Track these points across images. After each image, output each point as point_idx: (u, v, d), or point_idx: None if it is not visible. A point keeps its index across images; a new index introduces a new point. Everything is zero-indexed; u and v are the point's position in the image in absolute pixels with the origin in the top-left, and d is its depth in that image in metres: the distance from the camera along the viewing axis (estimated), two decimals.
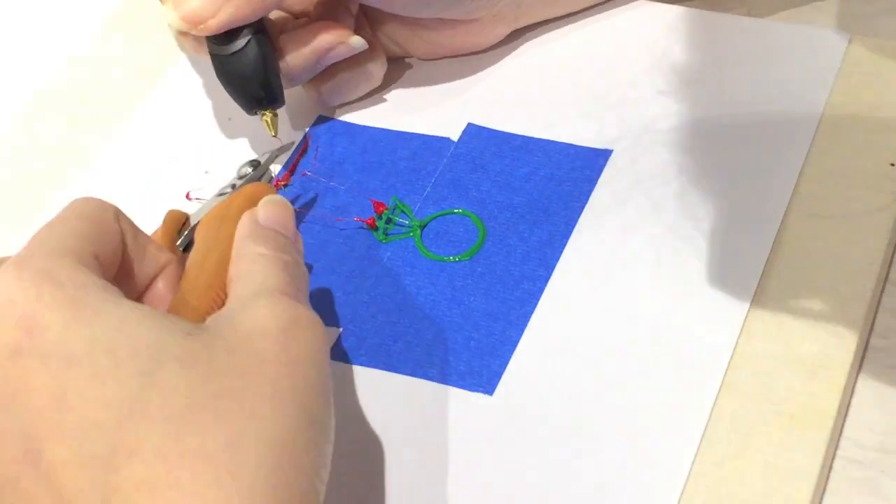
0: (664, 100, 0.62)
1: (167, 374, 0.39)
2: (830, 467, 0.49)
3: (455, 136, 0.63)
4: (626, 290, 0.55)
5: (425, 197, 0.60)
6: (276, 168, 0.63)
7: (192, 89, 0.69)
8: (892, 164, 0.57)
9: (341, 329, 0.56)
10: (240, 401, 0.39)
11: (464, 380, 0.53)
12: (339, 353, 0.55)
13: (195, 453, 0.38)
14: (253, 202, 0.50)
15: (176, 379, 0.39)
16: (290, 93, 0.67)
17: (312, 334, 0.43)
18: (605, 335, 0.53)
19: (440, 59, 0.66)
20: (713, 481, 0.48)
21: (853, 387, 0.51)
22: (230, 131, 0.66)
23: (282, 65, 0.61)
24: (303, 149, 0.64)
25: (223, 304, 0.47)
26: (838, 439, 0.50)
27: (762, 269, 0.54)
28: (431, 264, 0.58)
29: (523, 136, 0.62)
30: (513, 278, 0.56)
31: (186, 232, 0.55)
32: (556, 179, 0.60)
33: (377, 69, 0.64)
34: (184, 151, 0.65)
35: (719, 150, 0.59)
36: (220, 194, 0.59)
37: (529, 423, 0.51)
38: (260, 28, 0.59)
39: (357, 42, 0.61)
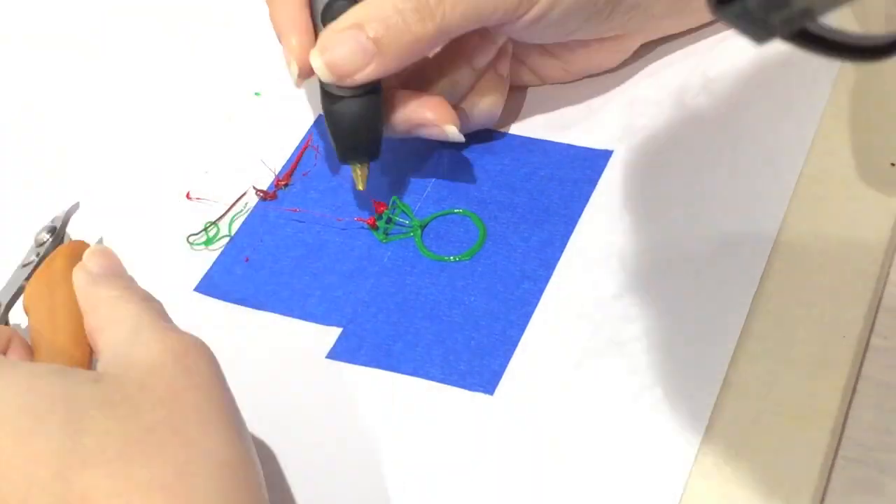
0: (665, 100, 0.62)
1: (92, 420, 0.40)
2: (831, 467, 0.49)
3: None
4: (627, 290, 0.55)
5: (425, 197, 0.60)
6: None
7: (192, 89, 0.69)
8: (893, 164, 0.57)
9: (341, 329, 0.56)
10: (172, 431, 0.40)
11: (464, 380, 0.53)
12: (340, 353, 0.55)
13: (148, 486, 0.39)
14: (73, 259, 0.51)
15: (104, 423, 0.40)
16: (289, 92, 0.67)
17: (208, 355, 0.44)
18: (606, 335, 0.53)
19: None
20: (713, 481, 0.48)
21: (853, 387, 0.51)
22: (230, 131, 0.66)
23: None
24: (303, 148, 0.64)
25: (91, 356, 0.48)
26: (839, 439, 0.50)
27: (763, 269, 0.54)
28: (432, 264, 0.58)
29: (524, 137, 0.62)
30: (513, 278, 0.56)
31: (5, 305, 0.55)
32: (556, 179, 0.60)
33: (500, 98, 0.62)
34: (184, 151, 0.65)
35: (720, 149, 0.59)
36: (24, 265, 0.57)
37: (529, 423, 0.51)
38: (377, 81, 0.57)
39: (452, 133, 0.58)
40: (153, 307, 0.47)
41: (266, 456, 0.51)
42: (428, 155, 0.62)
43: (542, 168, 0.61)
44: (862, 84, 0.61)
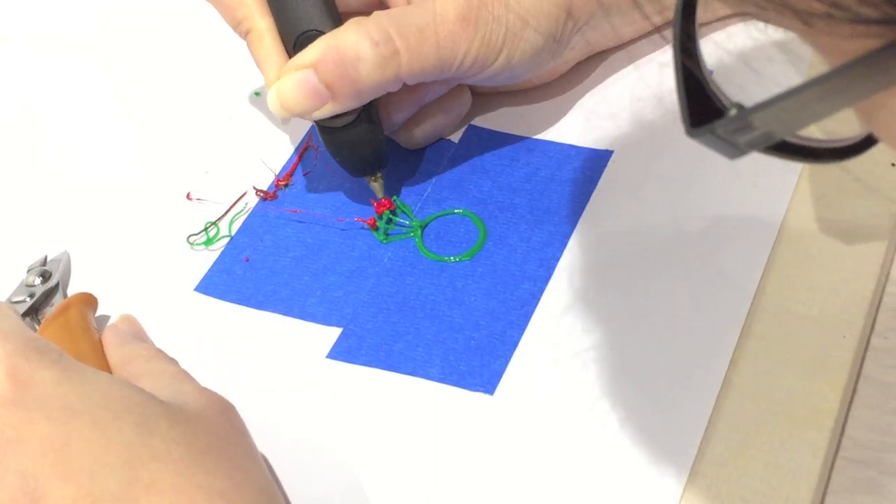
0: (666, 100, 0.62)
1: (161, 428, 0.44)
2: (831, 467, 0.49)
3: (456, 138, 0.63)
4: (627, 291, 0.55)
5: (426, 197, 0.60)
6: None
7: (192, 89, 0.69)
8: (893, 164, 0.57)
9: (342, 329, 0.56)
10: (225, 455, 0.45)
11: (464, 380, 0.53)
12: (340, 353, 0.55)
13: (208, 489, 0.43)
14: (87, 308, 0.56)
15: (171, 433, 0.44)
16: None
17: (239, 415, 0.49)
18: (606, 335, 0.53)
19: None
20: (713, 481, 0.48)
21: (853, 387, 0.51)
22: (230, 131, 0.66)
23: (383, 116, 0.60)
24: (303, 149, 0.64)
25: None
26: (839, 439, 0.50)
27: (763, 269, 0.54)
28: (432, 264, 0.58)
29: (524, 137, 0.62)
30: (513, 279, 0.56)
31: None
32: (556, 180, 0.60)
33: (465, 107, 0.63)
34: (184, 151, 0.65)
35: None
36: (15, 302, 0.58)
37: (529, 423, 0.51)
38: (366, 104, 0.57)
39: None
40: (183, 369, 0.52)
41: (266, 456, 0.51)
42: (428, 155, 0.62)
43: (543, 168, 0.61)
44: None
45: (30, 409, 0.44)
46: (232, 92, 0.68)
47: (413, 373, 0.53)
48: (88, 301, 0.56)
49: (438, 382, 0.53)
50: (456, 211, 0.60)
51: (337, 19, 0.57)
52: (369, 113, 0.57)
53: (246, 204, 0.62)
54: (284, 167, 0.63)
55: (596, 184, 0.59)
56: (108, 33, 0.73)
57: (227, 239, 0.60)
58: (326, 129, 0.58)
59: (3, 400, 0.44)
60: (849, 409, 0.51)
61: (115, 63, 0.71)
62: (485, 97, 0.64)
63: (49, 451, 0.43)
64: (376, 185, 0.59)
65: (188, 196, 0.63)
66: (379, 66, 0.54)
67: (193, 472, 0.43)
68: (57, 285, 0.59)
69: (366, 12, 0.57)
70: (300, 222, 0.60)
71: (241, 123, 0.66)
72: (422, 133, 0.62)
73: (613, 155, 0.61)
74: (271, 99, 0.56)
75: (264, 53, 0.58)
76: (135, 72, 0.71)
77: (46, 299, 0.58)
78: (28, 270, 0.59)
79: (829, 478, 0.49)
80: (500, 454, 0.50)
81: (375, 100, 0.57)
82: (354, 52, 0.54)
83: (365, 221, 0.59)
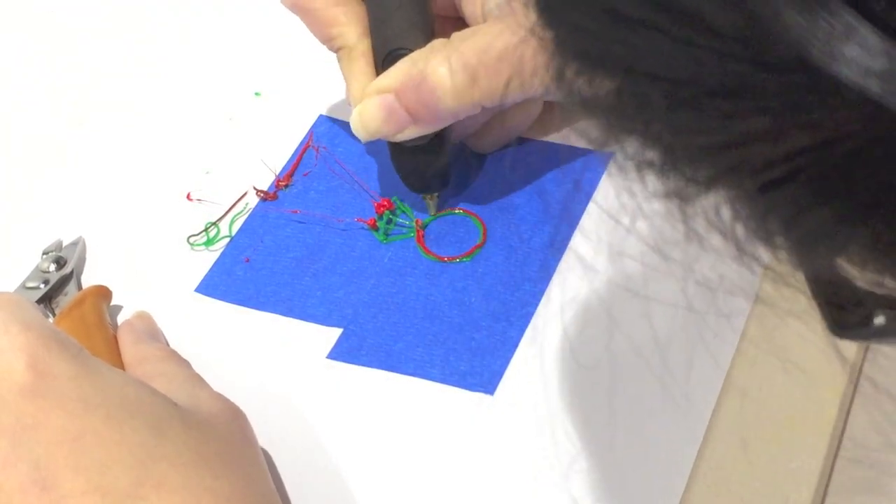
0: None
1: (173, 430, 0.45)
2: (831, 467, 0.49)
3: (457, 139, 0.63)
4: (628, 291, 0.55)
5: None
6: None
7: (192, 90, 0.69)
8: None
9: (342, 329, 0.56)
10: (234, 462, 0.46)
11: (464, 380, 0.53)
12: (340, 353, 0.55)
13: (215, 493, 0.44)
14: (102, 301, 0.56)
15: (182, 435, 0.45)
16: (289, 92, 0.67)
17: (248, 421, 0.49)
18: (606, 335, 0.53)
19: None
20: (714, 481, 0.48)
21: (854, 387, 0.51)
22: (230, 131, 0.66)
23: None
24: (303, 149, 0.64)
25: None
26: (839, 439, 0.50)
27: (763, 269, 0.54)
28: (432, 265, 0.58)
29: (525, 138, 0.62)
30: (514, 279, 0.56)
31: None
32: (557, 181, 0.60)
33: (536, 111, 0.61)
34: (184, 152, 0.65)
35: None
36: (28, 287, 0.58)
37: (529, 423, 0.51)
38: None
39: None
40: (195, 372, 0.52)
41: (266, 456, 0.51)
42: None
43: (543, 169, 0.61)
44: None
45: (48, 399, 0.44)
46: (232, 92, 0.68)
47: (413, 373, 0.53)
48: (103, 294, 0.56)
49: (439, 383, 0.53)
50: (456, 211, 0.60)
51: (429, 38, 0.56)
52: (442, 134, 0.57)
53: (246, 204, 0.62)
54: (285, 167, 0.63)
55: (597, 185, 0.59)
56: (109, 34, 0.73)
57: (228, 239, 0.60)
58: (398, 148, 0.57)
59: (23, 389, 0.44)
60: (849, 410, 0.51)
61: (115, 63, 0.71)
62: None
63: (63, 442, 0.43)
64: (431, 203, 0.59)
65: (188, 196, 0.63)
66: (459, 94, 0.54)
67: (202, 476, 0.44)
68: (71, 273, 0.59)
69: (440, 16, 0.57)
70: (300, 223, 0.60)
71: (241, 123, 0.66)
72: (493, 139, 0.61)
73: (615, 156, 0.60)
74: (353, 120, 0.56)
75: (353, 71, 0.57)
76: (135, 72, 0.71)
77: (60, 287, 0.58)
78: (43, 255, 0.60)
79: (829, 478, 0.49)
80: (500, 454, 0.50)
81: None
82: (435, 79, 0.53)
83: (365, 222, 0.59)
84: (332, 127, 0.65)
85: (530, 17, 0.26)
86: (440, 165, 0.58)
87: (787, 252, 0.26)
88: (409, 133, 0.55)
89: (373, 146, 0.63)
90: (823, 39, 0.20)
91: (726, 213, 0.26)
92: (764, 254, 0.26)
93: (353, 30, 0.57)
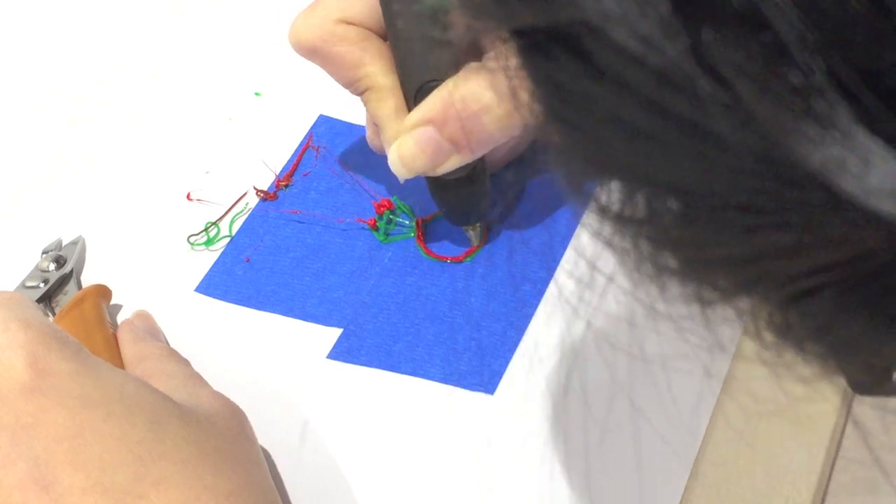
0: None
1: (172, 428, 0.45)
2: (831, 467, 0.49)
3: None
4: (627, 290, 0.55)
5: (426, 197, 0.60)
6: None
7: (193, 90, 0.69)
8: None
9: (342, 329, 0.56)
10: (233, 459, 0.46)
11: (464, 380, 0.53)
12: (340, 353, 0.55)
13: (215, 490, 0.44)
14: (101, 300, 0.56)
15: (182, 432, 0.45)
16: (289, 92, 0.67)
17: (247, 419, 0.49)
18: (606, 336, 0.53)
19: None
20: (714, 481, 0.48)
21: None
22: (230, 131, 0.66)
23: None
24: (304, 149, 0.64)
25: None
26: (840, 439, 0.50)
27: None
28: (432, 265, 0.58)
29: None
30: (514, 279, 0.56)
31: None
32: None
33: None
34: (184, 152, 0.65)
35: None
36: (28, 287, 0.58)
37: (529, 423, 0.51)
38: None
39: None
40: (195, 371, 0.52)
41: (266, 455, 0.51)
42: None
43: (544, 169, 0.61)
44: None
45: (47, 396, 0.44)
46: (232, 92, 0.68)
47: (413, 373, 0.53)
48: (103, 293, 0.57)
49: (439, 382, 0.53)
50: None
51: (458, 67, 0.53)
52: (480, 171, 0.55)
53: (246, 204, 0.62)
54: (285, 167, 0.63)
55: (598, 184, 0.59)
56: (109, 33, 0.73)
57: (228, 239, 0.60)
58: (436, 181, 0.55)
59: (22, 387, 0.44)
60: (849, 410, 0.51)
61: (115, 63, 0.71)
62: None
63: (63, 439, 0.43)
64: (474, 234, 0.58)
65: (188, 196, 0.63)
66: (506, 118, 0.51)
67: (201, 473, 0.44)
68: (71, 272, 0.59)
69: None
70: (300, 223, 0.60)
71: (241, 123, 0.66)
72: (507, 154, 0.60)
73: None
74: (392, 160, 0.53)
75: (385, 111, 0.54)
76: (135, 72, 0.71)
77: (60, 286, 0.58)
78: (43, 254, 0.60)
79: (829, 478, 0.49)
80: (500, 454, 0.50)
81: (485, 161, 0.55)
82: (481, 104, 0.51)
83: (365, 222, 0.59)
84: (332, 127, 0.65)
85: (535, 119, 0.25)
86: (480, 199, 0.56)
87: (818, 357, 0.26)
88: (451, 164, 0.53)
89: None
90: (846, 167, 0.20)
91: (752, 320, 0.25)
92: (793, 356, 0.26)
93: (379, 69, 0.54)
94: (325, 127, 0.65)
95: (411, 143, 0.53)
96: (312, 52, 0.55)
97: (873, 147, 0.20)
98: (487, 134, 0.52)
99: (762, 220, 0.22)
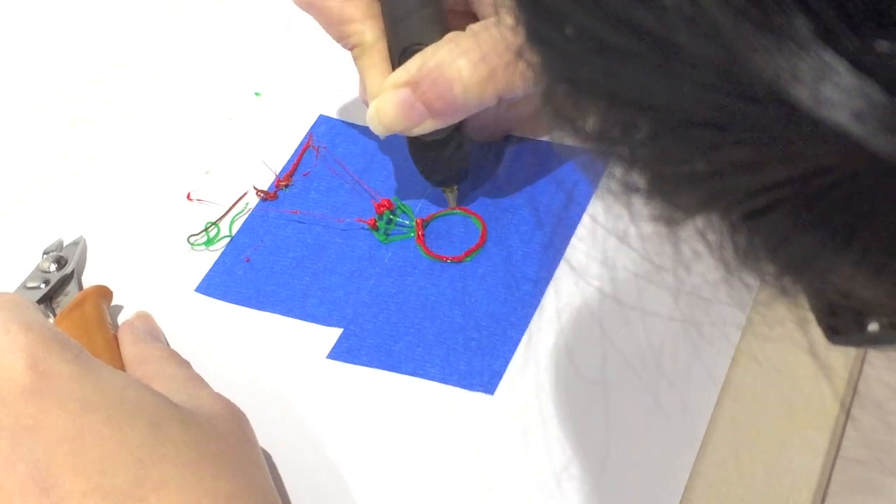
0: None
1: (173, 431, 0.45)
2: (831, 467, 0.49)
3: None
4: (628, 291, 0.55)
5: (426, 197, 0.60)
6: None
7: (193, 90, 0.69)
8: None
9: (342, 329, 0.56)
10: (234, 462, 0.46)
11: (464, 380, 0.53)
12: (340, 353, 0.55)
13: (215, 493, 0.44)
14: (102, 301, 0.56)
15: (182, 435, 0.45)
16: (289, 92, 0.67)
17: (247, 420, 0.49)
18: (606, 336, 0.53)
19: None
20: (713, 481, 0.48)
21: (854, 387, 0.51)
22: (230, 131, 0.66)
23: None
24: (304, 149, 0.64)
25: None
26: (839, 439, 0.50)
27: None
28: (432, 265, 0.58)
29: (525, 138, 0.62)
30: (514, 279, 0.56)
31: None
32: (557, 181, 0.60)
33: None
34: (184, 152, 0.65)
35: None
36: (29, 287, 0.58)
37: (529, 423, 0.51)
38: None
39: None
40: (195, 373, 0.53)
41: (266, 456, 0.51)
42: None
43: (544, 169, 0.61)
44: None
45: (48, 399, 0.44)
46: (232, 92, 0.68)
47: (413, 373, 0.53)
48: (104, 294, 0.57)
49: (438, 382, 0.53)
50: (456, 211, 0.60)
51: (445, 33, 0.55)
52: (459, 127, 0.57)
53: (246, 204, 0.62)
54: (285, 167, 0.63)
55: (597, 185, 0.59)
56: (108, 33, 0.73)
57: (228, 239, 0.60)
58: (417, 142, 0.57)
59: (23, 389, 0.44)
60: (849, 409, 0.51)
61: (115, 63, 0.71)
62: None
63: (63, 442, 0.43)
64: (450, 196, 0.59)
65: (188, 196, 0.63)
66: (477, 85, 0.53)
67: (202, 476, 0.44)
68: (72, 273, 0.59)
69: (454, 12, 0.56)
70: (300, 223, 0.60)
71: (241, 123, 0.66)
72: (493, 129, 0.61)
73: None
74: (370, 115, 0.56)
75: (369, 68, 0.57)
76: (135, 72, 0.71)
77: (61, 287, 0.58)
78: (44, 254, 0.60)
79: (829, 478, 0.49)
80: (500, 454, 0.50)
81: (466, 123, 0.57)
82: (452, 71, 0.53)
83: (365, 222, 0.59)
84: (332, 127, 0.65)
85: (518, 39, 0.26)
86: (459, 158, 0.58)
87: (774, 276, 0.26)
88: (426, 127, 0.55)
89: (373, 146, 0.63)
90: (799, 78, 0.21)
91: (714, 237, 0.26)
92: (752, 278, 0.27)
93: (368, 27, 0.57)
94: (325, 127, 0.65)
95: (388, 103, 0.55)
96: (308, 4, 0.58)
97: (828, 60, 0.21)
98: (458, 101, 0.54)
99: (723, 137, 0.23)
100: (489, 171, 0.61)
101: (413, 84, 0.54)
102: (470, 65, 0.53)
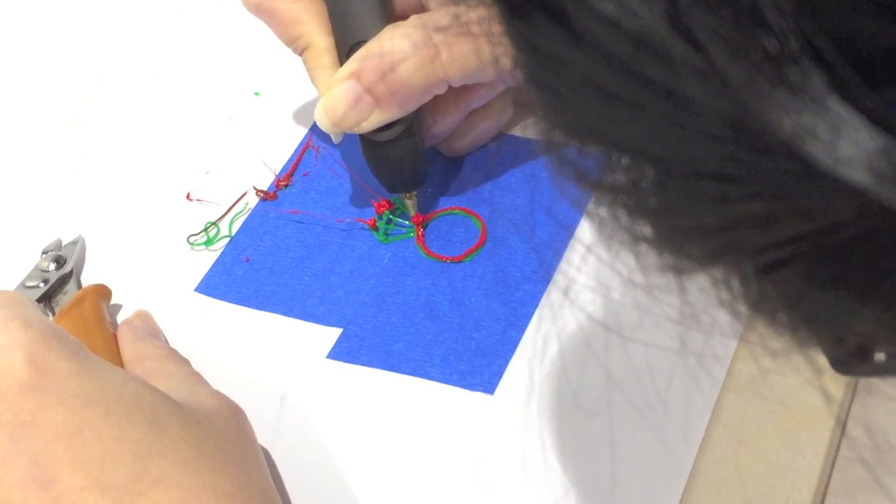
0: None
1: (172, 427, 0.45)
2: (832, 467, 0.49)
3: None
4: (627, 289, 0.55)
5: (426, 197, 0.60)
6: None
7: (193, 90, 0.69)
8: None
9: (342, 329, 0.56)
10: (232, 459, 0.46)
11: (464, 380, 0.53)
12: (340, 353, 0.55)
13: (214, 489, 0.44)
14: (101, 300, 0.56)
15: (181, 432, 0.45)
16: (289, 92, 0.67)
17: (247, 418, 0.49)
18: (606, 336, 0.53)
19: None
20: (714, 481, 0.48)
21: (854, 386, 0.51)
22: (230, 131, 0.66)
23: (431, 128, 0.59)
24: (303, 149, 0.64)
25: None
26: (839, 439, 0.50)
27: None
28: (432, 265, 0.58)
29: (525, 138, 0.62)
30: (514, 279, 0.56)
31: None
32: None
33: (508, 114, 0.62)
34: (184, 152, 0.65)
35: None
36: (28, 286, 0.58)
37: (529, 423, 0.51)
38: (412, 116, 0.56)
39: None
40: (194, 370, 0.52)
41: (266, 455, 0.51)
42: (428, 155, 0.62)
43: (544, 169, 0.61)
44: None
45: (47, 395, 0.44)
46: (232, 92, 0.68)
47: (413, 373, 0.53)
48: (103, 292, 0.57)
49: (438, 382, 0.53)
50: (456, 211, 0.60)
51: None
52: (412, 129, 0.56)
53: (246, 204, 0.62)
54: (284, 167, 0.63)
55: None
56: (108, 33, 0.73)
57: (228, 239, 0.60)
58: (369, 143, 0.57)
59: (22, 385, 0.44)
60: (849, 409, 0.51)
61: (115, 63, 0.71)
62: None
63: (62, 437, 0.43)
64: (410, 203, 0.58)
65: (188, 196, 0.63)
66: (420, 67, 0.53)
67: (200, 472, 0.44)
68: (71, 272, 0.59)
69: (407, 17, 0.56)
70: (300, 223, 0.60)
71: (241, 123, 0.66)
72: (467, 141, 0.61)
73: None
74: (318, 114, 0.55)
75: (319, 69, 0.57)
76: (135, 72, 0.71)
77: (60, 286, 0.58)
78: (43, 254, 0.60)
79: (829, 478, 0.49)
80: (500, 454, 0.50)
81: (419, 116, 0.57)
82: (395, 55, 0.53)
83: (365, 222, 0.59)
84: None
85: (517, 79, 0.25)
86: (413, 160, 0.57)
87: (789, 328, 0.26)
88: (375, 119, 0.54)
89: None
90: (816, 134, 0.20)
91: (725, 291, 0.25)
92: (765, 328, 0.26)
93: (315, 28, 0.57)
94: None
95: (336, 96, 0.54)
96: (257, 8, 0.59)
97: (845, 115, 0.20)
98: (404, 84, 0.54)
99: (734, 189, 0.22)
100: (489, 171, 0.61)
101: (357, 74, 0.54)
102: (411, 45, 0.53)
